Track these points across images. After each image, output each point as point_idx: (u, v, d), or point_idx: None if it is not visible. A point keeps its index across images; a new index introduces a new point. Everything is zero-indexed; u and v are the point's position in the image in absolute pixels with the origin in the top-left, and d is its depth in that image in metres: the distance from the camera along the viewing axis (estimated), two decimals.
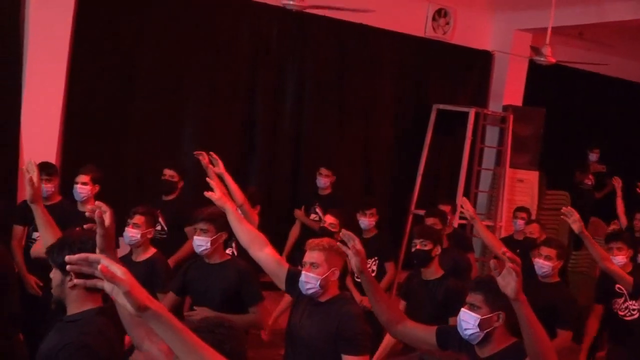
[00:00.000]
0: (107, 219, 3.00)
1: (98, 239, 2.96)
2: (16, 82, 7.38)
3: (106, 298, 3.16)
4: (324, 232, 6.36)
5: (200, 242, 5.00)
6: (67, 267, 2.41)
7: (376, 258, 7.05)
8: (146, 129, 8.21)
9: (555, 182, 10.84)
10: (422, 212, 9.64)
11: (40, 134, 7.42)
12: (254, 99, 8.88)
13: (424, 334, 3.88)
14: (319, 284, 4.09)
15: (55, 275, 3.23)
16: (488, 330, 3.58)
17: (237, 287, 4.97)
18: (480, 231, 6.19)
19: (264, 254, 4.39)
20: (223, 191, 4.85)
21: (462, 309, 3.65)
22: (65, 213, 5.94)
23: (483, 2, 10.12)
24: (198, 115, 8.49)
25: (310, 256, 4.15)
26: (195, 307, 5.02)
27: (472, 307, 3.61)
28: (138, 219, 5.34)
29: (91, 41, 7.80)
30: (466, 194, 9.59)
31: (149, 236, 5.42)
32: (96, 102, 7.93)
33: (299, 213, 8.30)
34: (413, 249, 5.60)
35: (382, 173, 9.87)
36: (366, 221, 7.05)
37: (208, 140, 8.31)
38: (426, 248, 5.48)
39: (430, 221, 6.86)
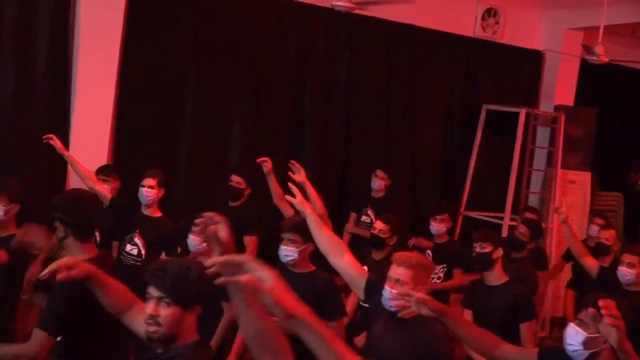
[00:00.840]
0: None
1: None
2: (66, 88, 7.41)
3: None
4: (375, 239, 6.26)
5: (288, 252, 4.87)
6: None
7: (444, 265, 7.00)
8: (195, 132, 8.19)
9: (608, 183, 10.61)
10: (472, 214, 9.58)
11: (90, 142, 7.42)
12: (302, 102, 8.80)
13: (525, 357, 3.78)
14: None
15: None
16: (593, 350, 3.45)
17: (321, 300, 4.73)
18: (570, 236, 6.32)
19: (344, 261, 4.32)
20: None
21: (570, 324, 3.56)
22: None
23: (533, 1, 9.92)
24: (246, 118, 8.43)
25: (396, 272, 4.01)
26: None
27: (581, 324, 3.49)
28: (292, 235, 5.04)
29: (141, 47, 7.81)
30: (516, 195, 9.48)
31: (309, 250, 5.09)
32: (146, 107, 7.93)
33: (349, 226, 8.20)
34: (473, 254, 5.54)
35: (430, 175, 9.73)
36: (435, 226, 6.97)
37: (256, 143, 8.31)
38: (485, 251, 5.42)
39: (521, 229, 6.76)
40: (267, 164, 6.41)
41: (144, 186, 6.09)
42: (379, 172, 8.13)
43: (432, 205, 7.65)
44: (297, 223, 4.89)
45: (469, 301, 5.66)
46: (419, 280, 3.99)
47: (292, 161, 6.19)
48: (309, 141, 8.83)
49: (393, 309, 3.98)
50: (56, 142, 6.28)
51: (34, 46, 7.24)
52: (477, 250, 5.46)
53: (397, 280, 3.97)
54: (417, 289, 3.72)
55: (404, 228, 6.73)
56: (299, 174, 5.96)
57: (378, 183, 8.10)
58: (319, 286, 4.84)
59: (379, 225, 6.33)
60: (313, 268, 5.03)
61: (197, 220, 2.66)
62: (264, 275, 2.31)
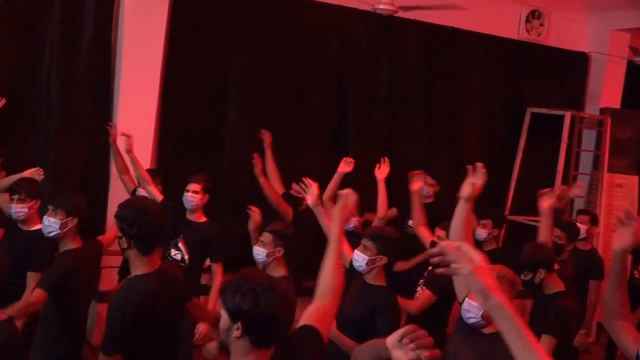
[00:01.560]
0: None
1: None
2: (109, 94, 7.45)
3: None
4: (433, 247, 6.10)
5: (358, 258, 4.78)
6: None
7: None
8: (237, 137, 8.15)
9: None
10: (516, 219, 9.41)
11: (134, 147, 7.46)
12: (344, 106, 8.73)
13: (632, 344, 3.54)
14: (481, 315, 3.81)
15: (223, 318, 2.90)
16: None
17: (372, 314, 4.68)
18: None
19: None
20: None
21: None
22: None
23: (578, 3, 9.75)
24: (287, 122, 8.36)
25: None
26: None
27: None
28: (265, 236, 5.13)
29: (183, 52, 7.81)
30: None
31: (278, 255, 5.09)
32: (188, 112, 7.93)
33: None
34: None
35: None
36: (479, 231, 6.85)
37: (297, 146, 8.26)
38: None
39: (557, 232, 6.62)
40: (266, 136, 6.41)
41: (188, 191, 6.07)
42: (428, 179, 7.94)
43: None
44: (374, 231, 4.89)
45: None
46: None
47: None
48: (350, 145, 8.73)
49: (471, 322, 3.87)
50: (114, 132, 6.51)
51: (78, 53, 7.28)
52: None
53: None
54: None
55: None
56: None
57: (427, 189, 7.91)
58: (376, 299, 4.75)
59: (438, 232, 6.16)
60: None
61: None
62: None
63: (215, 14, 7.96)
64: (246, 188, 7.87)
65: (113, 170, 7.14)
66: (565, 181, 9.37)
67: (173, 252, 6.02)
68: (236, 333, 2.68)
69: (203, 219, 6.15)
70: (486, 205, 9.37)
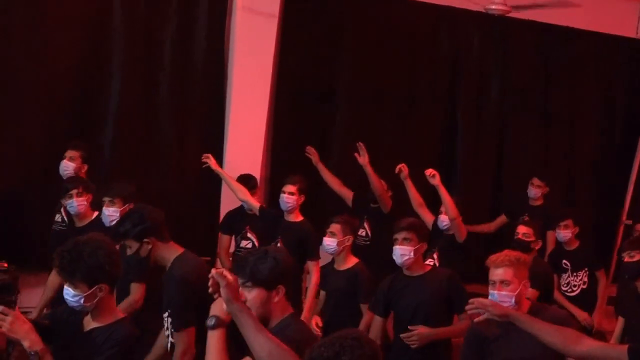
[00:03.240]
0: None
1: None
2: (221, 99, 7.55)
3: None
4: (518, 245, 5.92)
5: (404, 251, 4.83)
6: None
7: (586, 269, 6.84)
8: (346, 137, 8.03)
9: None
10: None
11: (245, 150, 7.58)
12: (454, 107, 8.56)
13: (612, 352, 3.42)
14: (514, 301, 3.82)
15: (259, 292, 3.19)
16: None
17: (446, 295, 4.82)
18: None
19: None
20: None
21: None
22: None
23: None
24: (398, 124, 8.27)
25: (497, 274, 3.88)
26: (409, 327, 4.81)
27: None
28: (333, 227, 5.39)
29: (294, 52, 7.83)
30: None
31: (347, 244, 5.40)
32: (299, 112, 7.95)
33: None
34: (622, 263, 5.39)
35: (588, 182, 9.25)
36: (562, 233, 6.81)
37: (407, 148, 8.15)
38: (634, 259, 5.28)
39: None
40: (404, 169, 6.45)
41: (284, 192, 6.17)
42: (535, 180, 7.84)
43: (556, 214, 7.30)
44: (412, 223, 4.99)
45: (622, 309, 5.56)
46: (521, 275, 3.88)
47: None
48: (460, 148, 8.59)
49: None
50: (211, 161, 6.61)
51: (192, 58, 7.42)
52: (626, 259, 5.33)
53: (503, 282, 3.85)
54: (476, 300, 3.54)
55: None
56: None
57: (534, 191, 7.80)
58: (438, 284, 4.86)
59: (521, 229, 6.23)
60: (429, 267, 5.13)
61: None
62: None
63: (325, 17, 7.97)
64: (354, 188, 7.86)
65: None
66: None
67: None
68: (276, 298, 3.15)
69: (299, 219, 6.22)
70: (601, 209, 9.12)
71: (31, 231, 6.72)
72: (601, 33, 8.95)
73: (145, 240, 3.90)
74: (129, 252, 3.94)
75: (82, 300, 3.29)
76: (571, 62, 8.98)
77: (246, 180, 6.72)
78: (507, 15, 7.78)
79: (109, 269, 3.31)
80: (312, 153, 7.09)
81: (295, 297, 5.77)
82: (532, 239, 6.07)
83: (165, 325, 4.05)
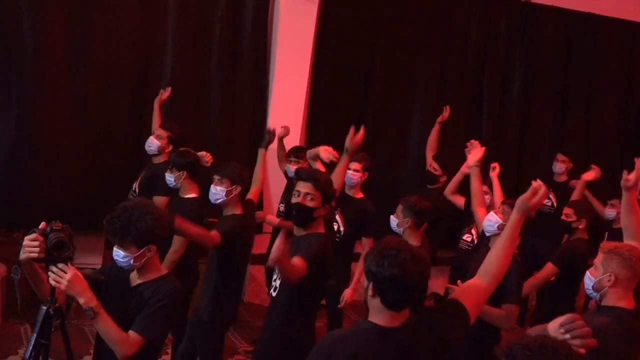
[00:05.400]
0: None
1: None
2: (264, 70, 7.80)
3: None
4: (563, 224, 6.13)
5: (492, 218, 4.91)
6: None
7: None
8: (381, 117, 8.35)
9: None
10: None
11: (286, 121, 7.63)
12: (482, 88, 8.78)
13: None
14: (593, 287, 3.79)
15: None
16: None
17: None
18: None
19: None
20: None
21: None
22: None
23: None
24: (428, 106, 8.44)
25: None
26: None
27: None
28: (398, 207, 5.29)
29: (332, 38, 8.06)
30: None
31: (406, 226, 5.23)
32: (337, 90, 8.16)
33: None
34: None
35: (605, 164, 9.43)
36: (608, 211, 6.94)
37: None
38: None
39: None
40: (497, 167, 6.27)
41: (350, 169, 6.11)
42: (560, 156, 7.92)
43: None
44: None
45: None
46: (610, 267, 3.73)
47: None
48: (485, 128, 8.79)
49: (595, 295, 3.86)
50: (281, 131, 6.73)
51: (239, 44, 7.71)
52: None
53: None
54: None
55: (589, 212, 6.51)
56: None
57: (559, 166, 7.90)
58: None
59: (567, 210, 6.17)
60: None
61: None
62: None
63: (363, 6, 8.16)
64: (384, 168, 8.11)
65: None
66: None
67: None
68: (370, 292, 2.89)
69: (360, 195, 6.30)
70: (616, 190, 9.33)
71: (97, 197, 6.98)
72: (622, 19, 9.13)
73: None
74: None
75: (131, 261, 3.38)
76: (592, 46, 9.16)
77: (297, 151, 6.82)
78: (533, 1, 7.97)
79: (157, 232, 3.42)
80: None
81: (345, 267, 6.12)
82: (573, 218, 6.04)
83: None
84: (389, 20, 8.28)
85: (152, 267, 3.51)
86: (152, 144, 6.35)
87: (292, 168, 6.40)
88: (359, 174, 6.23)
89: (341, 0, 8.07)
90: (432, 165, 7.13)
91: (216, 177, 5.15)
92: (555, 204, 7.40)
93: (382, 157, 8.14)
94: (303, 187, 4.21)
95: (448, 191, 6.52)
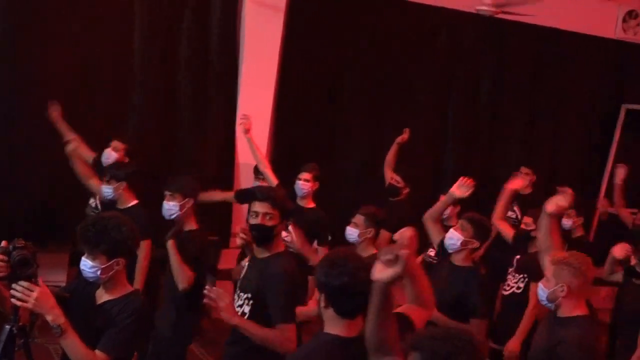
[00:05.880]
0: None
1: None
2: (232, 91, 7.79)
3: None
4: (522, 233, 6.19)
5: (453, 236, 4.99)
6: None
7: None
8: (348, 129, 8.38)
9: None
10: (610, 210, 9.38)
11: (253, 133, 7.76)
12: (450, 103, 8.85)
13: None
14: (547, 298, 3.95)
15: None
16: None
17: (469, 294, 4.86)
18: None
19: None
20: None
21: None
22: None
23: None
24: (397, 115, 8.49)
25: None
26: None
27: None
28: (357, 218, 5.30)
29: (299, 49, 8.04)
30: None
31: (368, 236, 5.25)
32: (303, 105, 8.18)
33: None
34: None
35: (570, 173, 9.61)
36: (564, 221, 6.82)
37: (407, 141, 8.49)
38: None
39: None
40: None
41: (300, 179, 6.30)
42: (523, 169, 8.02)
43: None
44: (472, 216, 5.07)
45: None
46: (563, 278, 3.91)
47: None
48: (452, 142, 8.90)
49: (550, 305, 3.99)
50: (248, 123, 6.64)
51: (206, 55, 7.68)
52: None
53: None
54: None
55: None
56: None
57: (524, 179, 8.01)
58: (465, 281, 4.92)
59: (528, 220, 6.28)
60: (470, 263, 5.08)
61: None
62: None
63: (328, 17, 8.17)
64: (354, 179, 8.12)
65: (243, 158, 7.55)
66: None
67: (284, 234, 6.19)
68: (323, 303, 2.97)
69: (312, 205, 6.37)
70: (579, 197, 9.46)
71: (59, 214, 6.91)
72: (583, 34, 9.27)
73: None
74: None
75: (98, 272, 3.34)
76: (557, 59, 9.29)
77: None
78: (498, 16, 8.03)
79: (130, 243, 3.43)
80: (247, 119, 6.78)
81: (304, 281, 5.99)
82: (533, 227, 6.02)
83: None
84: (356, 33, 8.31)
85: (118, 283, 3.46)
86: (110, 156, 6.33)
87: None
88: (309, 184, 6.30)
89: (308, 13, 8.06)
90: (394, 178, 7.21)
91: (167, 193, 5.13)
92: (519, 217, 7.43)
93: (350, 170, 8.14)
94: (260, 207, 4.17)
95: (497, 217, 6.18)
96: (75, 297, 3.50)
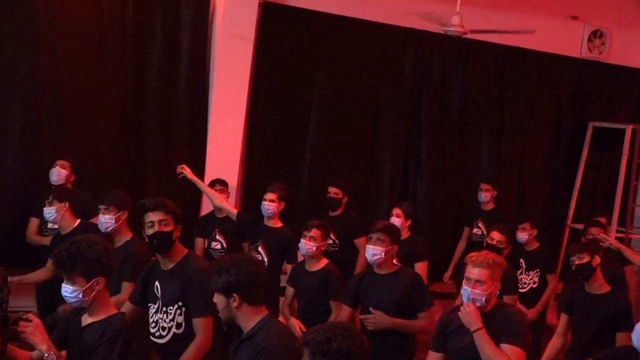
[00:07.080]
0: None
1: None
2: (204, 109, 7.78)
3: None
4: (491, 249, 6.10)
5: (376, 251, 4.97)
6: None
7: (538, 270, 7.07)
8: (318, 153, 8.42)
9: None
10: (579, 226, 9.47)
11: (224, 159, 7.79)
12: (419, 120, 8.87)
13: None
14: (484, 300, 4.04)
15: (218, 299, 3.37)
16: None
17: (409, 295, 4.92)
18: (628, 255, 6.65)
19: None
20: None
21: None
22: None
23: (638, 22, 9.81)
24: (365, 137, 8.58)
25: (474, 273, 4.06)
26: (370, 309, 4.94)
27: None
28: (315, 232, 5.54)
29: (268, 75, 8.07)
30: (623, 208, 9.31)
31: (323, 248, 5.64)
32: (273, 130, 8.23)
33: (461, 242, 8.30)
34: (573, 267, 5.45)
35: (538, 189, 9.69)
36: (519, 235, 7.01)
37: (376, 160, 8.58)
38: (584, 261, 5.35)
39: (594, 231, 6.83)
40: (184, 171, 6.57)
41: (265, 200, 6.31)
42: (483, 185, 8.06)
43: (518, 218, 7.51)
44: (387, 225, 5.15)
45: (568, 307, 5.58)
46: (495, 277, 4.07)
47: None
48: (424, 160, 8.91)
49: (484, 304, 4.09)
50: (187, 171, 6.56)
51: (177, 81, 7.69)
52: (577, 262, 5.38)
53: (478, 281, 4.03)
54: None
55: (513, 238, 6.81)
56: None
57: (484, 195, 8.02)
58: (403, 283, 4.96)
59: (496, 235, 6.38)
60: (397, 267, 5.19)
61: None
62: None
63: (297, 40, 8.22)
64: (321, 196, 8.15)
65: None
66: (626, 191, 9.41)
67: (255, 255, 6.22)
68: (235, 304, 3.28)
69: (279, 225, 6.37)
70: (549, 213, 9.57)
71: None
72: (549, 53, 9.40)
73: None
74: None
75: (80, 295, 3.41)
76: (523, 78, 9.38)
77: (218, 182, 6.99)
78: (465, 36, 8.09)
79: (105, 261, 3.46)
80: (184, 169, 6.59)
81: (273, 296, 5.99)
82: (504, 245, 6.33)
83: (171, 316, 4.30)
84: (324, 57, 8.34)
85: (101, 305, 3.52)
86: (60, 173, 6.49)
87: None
88: (274, 204, 6.32)
89: (276, 39, 8.07)
90: (332, 191, 7.33)
91: (102, 207, 5.24)
92: (485, 232, 7.49)
93: (322, 193, 8.16)
94: (154, 216, 4.28)
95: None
96: (63, 326, 3.64)
